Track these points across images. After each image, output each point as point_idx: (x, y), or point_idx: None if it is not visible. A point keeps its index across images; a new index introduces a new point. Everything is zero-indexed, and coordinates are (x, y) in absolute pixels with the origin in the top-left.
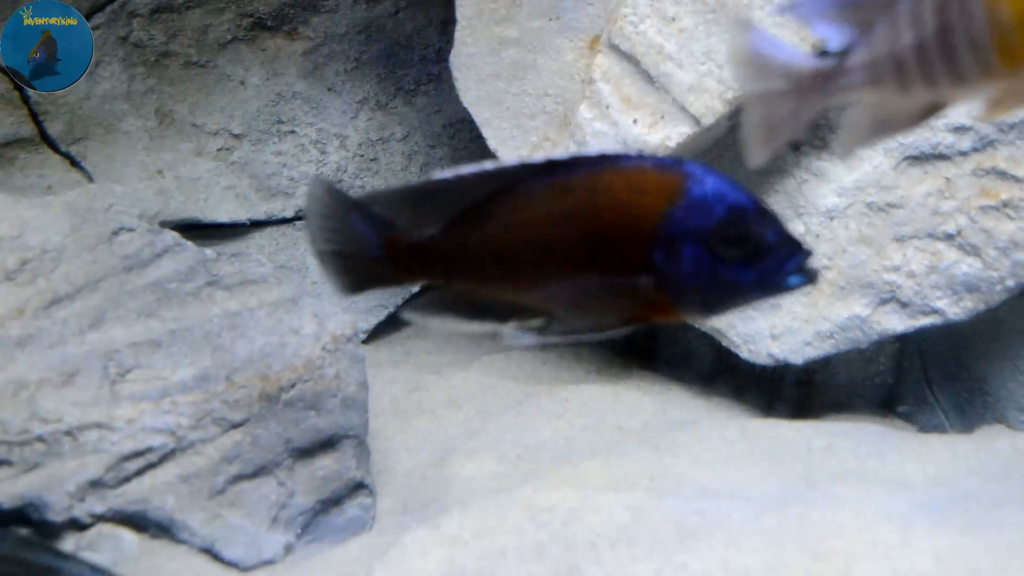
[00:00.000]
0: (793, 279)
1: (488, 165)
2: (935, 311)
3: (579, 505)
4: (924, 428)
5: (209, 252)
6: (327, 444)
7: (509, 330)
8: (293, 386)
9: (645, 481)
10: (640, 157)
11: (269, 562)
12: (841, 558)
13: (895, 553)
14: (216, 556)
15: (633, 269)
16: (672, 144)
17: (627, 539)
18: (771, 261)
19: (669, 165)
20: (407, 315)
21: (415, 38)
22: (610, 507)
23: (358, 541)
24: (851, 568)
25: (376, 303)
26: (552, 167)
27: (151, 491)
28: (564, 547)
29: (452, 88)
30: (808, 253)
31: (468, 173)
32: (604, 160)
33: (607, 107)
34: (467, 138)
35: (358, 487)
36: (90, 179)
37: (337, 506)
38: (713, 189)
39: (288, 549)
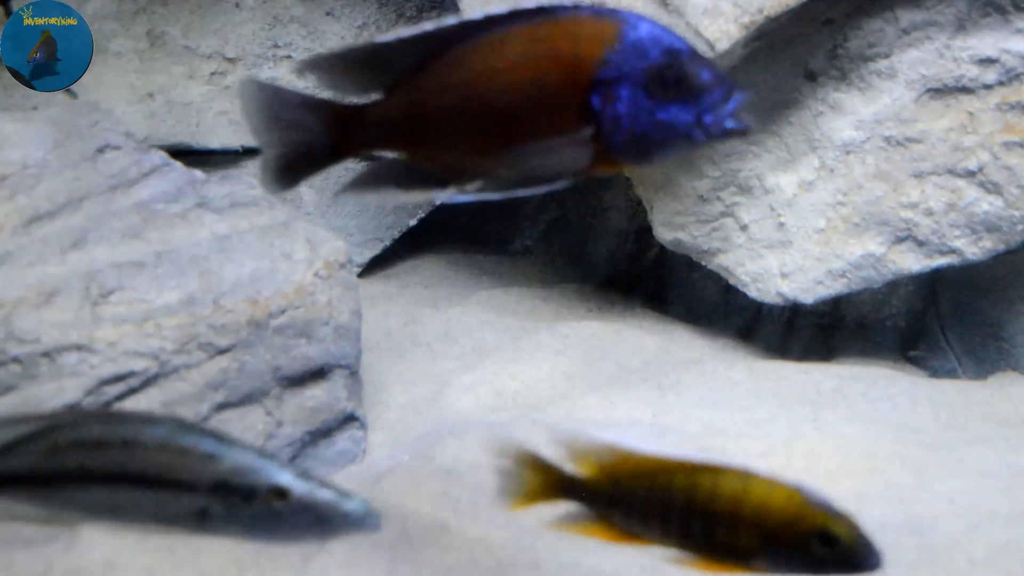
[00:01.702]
0: (730, 123)
1: (428, 25)
2: (953, 250)
3: None
4: (936, 373)
5: (198, 173)
6: (317, 374)
7: (446, 192)
8: (283, 312)
9: (648, 418)
10: (576, 7)
11: None
12: (852, 499)
13: (908, 495)
14: None
15: (572, 117)
16: None
17: None
18: (707, 101)
19: (605, 13)
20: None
21: None
22: None
23: (346, 473)
24: (863, 509)
25: (372, 236)
26: (490, 22)
27: None
28: None
29: (456, 14)
30: (747, 95)
31: (409, 35)
32: (541, 12)
33: None
34: None
35: (349, 419)
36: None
37: (327, 438)
38: (649, 34)
39: None
